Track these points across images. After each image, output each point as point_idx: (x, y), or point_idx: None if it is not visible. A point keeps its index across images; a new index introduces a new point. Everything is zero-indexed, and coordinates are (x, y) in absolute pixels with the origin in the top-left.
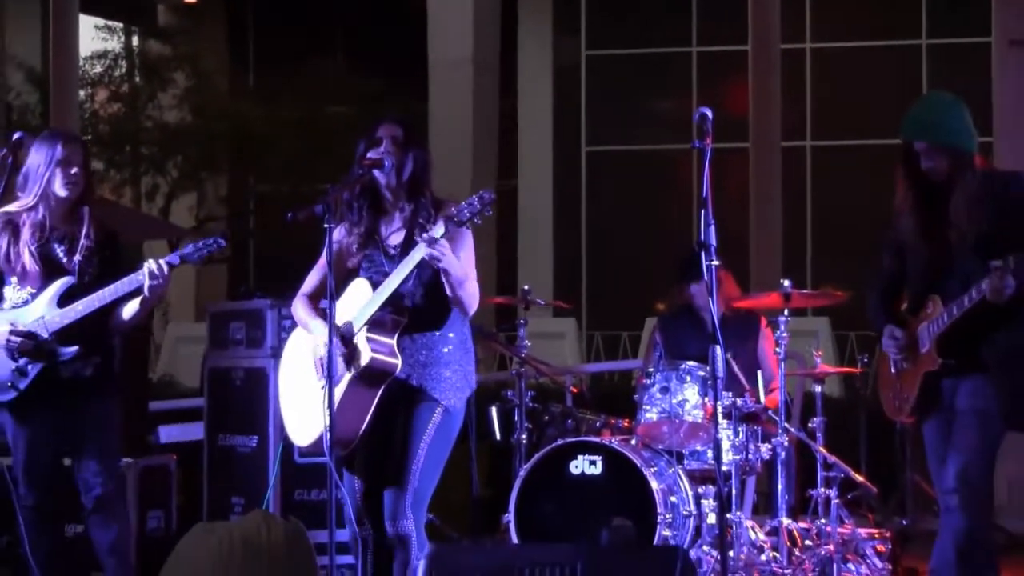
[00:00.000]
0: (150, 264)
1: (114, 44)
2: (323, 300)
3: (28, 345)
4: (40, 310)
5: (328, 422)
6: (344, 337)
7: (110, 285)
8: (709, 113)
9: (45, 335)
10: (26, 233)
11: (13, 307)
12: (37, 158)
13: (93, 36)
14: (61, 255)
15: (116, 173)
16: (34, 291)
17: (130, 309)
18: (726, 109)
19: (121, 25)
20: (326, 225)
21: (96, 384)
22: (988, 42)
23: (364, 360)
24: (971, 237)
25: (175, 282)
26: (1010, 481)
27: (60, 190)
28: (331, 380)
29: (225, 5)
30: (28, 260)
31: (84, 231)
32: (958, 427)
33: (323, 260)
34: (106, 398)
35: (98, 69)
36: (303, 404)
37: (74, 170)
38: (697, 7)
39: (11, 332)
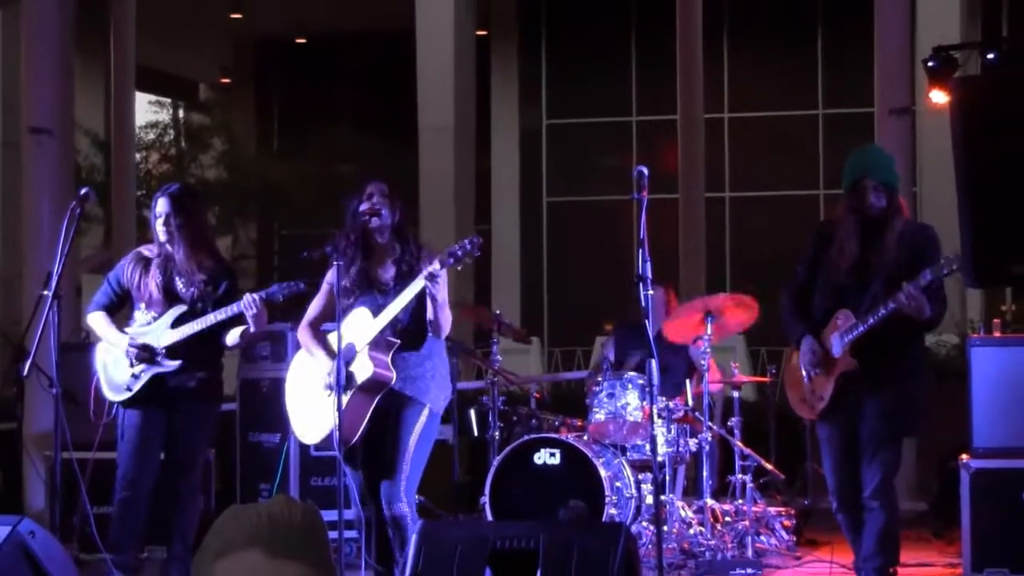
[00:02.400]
0: (247, 298)
1: (164, 116)
2: (324, 324)
3: (144, 356)
4: (158, 332)
5: (337, 422)
6: (351, 357)
7: (210, 314)
8: (645, 170)
9: (158, 350)
10: (153, 268)
11: (140, 326)
12: (151, 215)
13: (147, 109)
14: (180, 287)
15: None
16: (156, 315)
17: (232, 336)
18: (659, 167)
19: (169, 100)
20: (334, 263)
21: (197, 394)
22: (872, 111)
23: (367, 374)
24: (889, 267)
25: None
26: None
27: (160, 235)
28: (339, 388)
29: (254, 84)
30: (154, 290)
31: (195, 267)
32: (871, 446)
33: (323, 291)
34: (204, 405)
35: (151, 136)
36: (308, 411)
37: (161, 219)
38: (636, 84)
39: (131, 344)
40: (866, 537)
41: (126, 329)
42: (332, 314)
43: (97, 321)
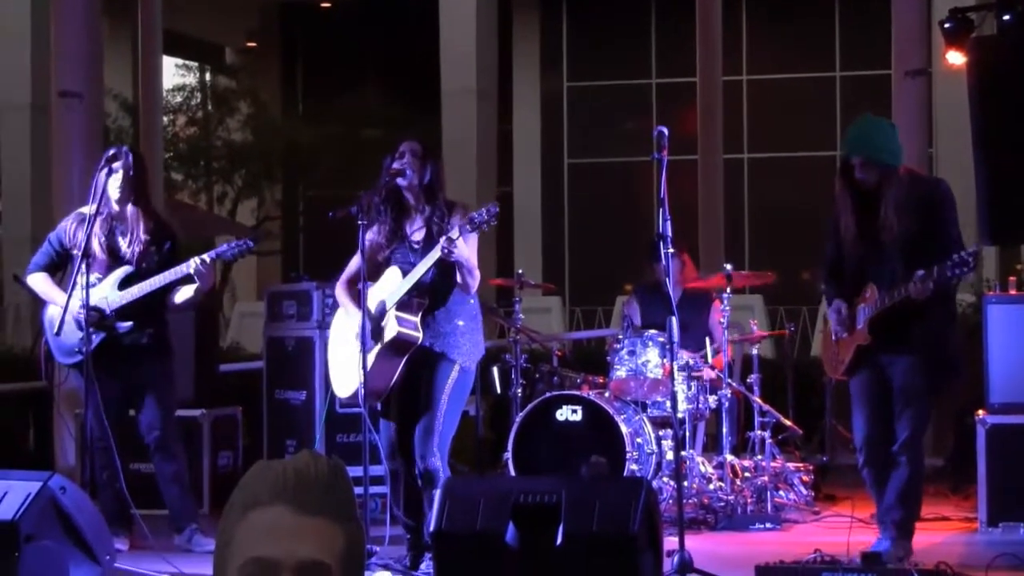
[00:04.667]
0: (195, 261)
1: (190, 79)
2: (359, 283)
3: (94, 318)
4: (104, 291)
5: (362, 379)
6: (377, 315)
7: (159, 275)
8: (665, 131)
9: (107, 312)
10: (96, 228)
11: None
12: (96, 171)
13: (174, 73)
14: (123, 247)
15: (192, 183)
16: (100, 276)
17: (183, 294)
18: (679, 129)
19: (196, 64)
20: (359, 222)
21: (151, 349)
22: (889, 74)
23: (391, 334)
24: (899, 238)
25: (241, 268)
26: None
27: (112, 192)
28: (364, 347)
29: (279, 48)
30: (97, 250)
31: (141, 228)
32: (900, 403)
33: (359, 249)
34: (160, 360)
35: (178, 99)
36: (344, 365)
37: (119, 177)
38: (656, 47)
39: (81, 307)
40: (889, 490)
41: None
42: (368, 272)
43: (39, 282)
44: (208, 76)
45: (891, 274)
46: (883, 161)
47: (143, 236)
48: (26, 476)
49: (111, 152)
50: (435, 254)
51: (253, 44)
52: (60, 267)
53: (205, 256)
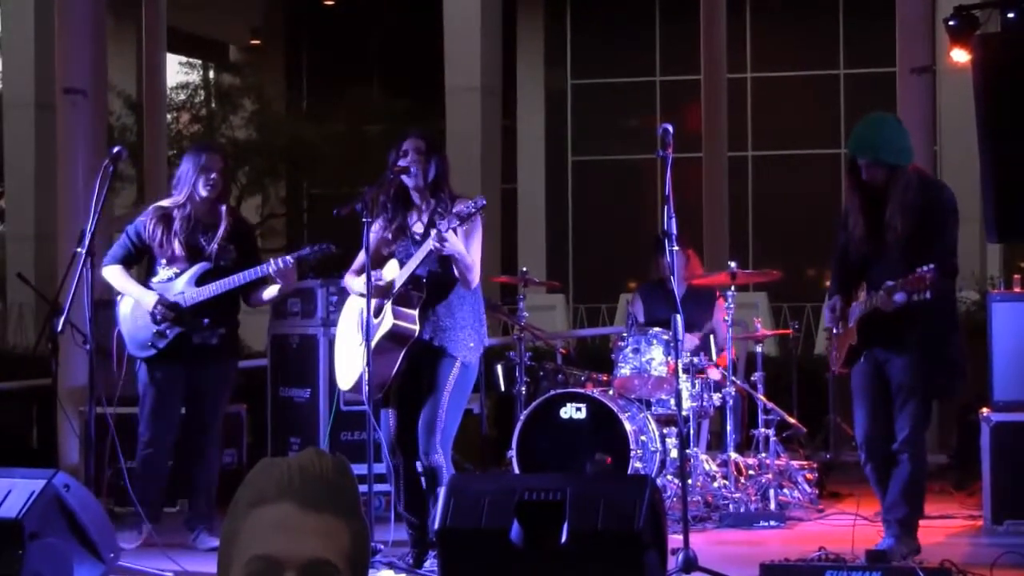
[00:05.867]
0: (279, 260)
1: (194, 77)
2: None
3: (170, 314)
4: (181, 287)
5: (366, 376)
6: (376, 308)
7: (238, 273)
8: (670, 129)
9: (184, 307)
10: (176, 224)
11: (161, 283)
12: (187, 165)
13: (178, 70)
14: (203, 243)
15: None
16: (179, 271)
17: (270, 292)
18: (683, 126)
19: (200, 61)
20: (364, 220)
21: (220, 351)
22: (894, 71)
23: (387, 327)
24: (902, 239)
25: None
26: None
27: (202, 190)
28: (368, 342)
29: (283, 45)
30: (176, 246)
31: (222, 225)
32: (898, 401)
33: (365, 244)
34: (226, 363)
35: (182, 97)
36: (347, 356)
37: (213, 175)
38: (660, 45)
39: (158, 302)
40: (892, 488)
41: (150, 284)
42: (373, 263)
43: (115, 275)
44: (212, 73)
45: (891, 274)
46: (889, 161)
47: (223, 234)
48: (30, 474)
49: (115, 150)
50: (426, 247)
51: (257, 41)
52: (137, 260)
53: (288, 257)
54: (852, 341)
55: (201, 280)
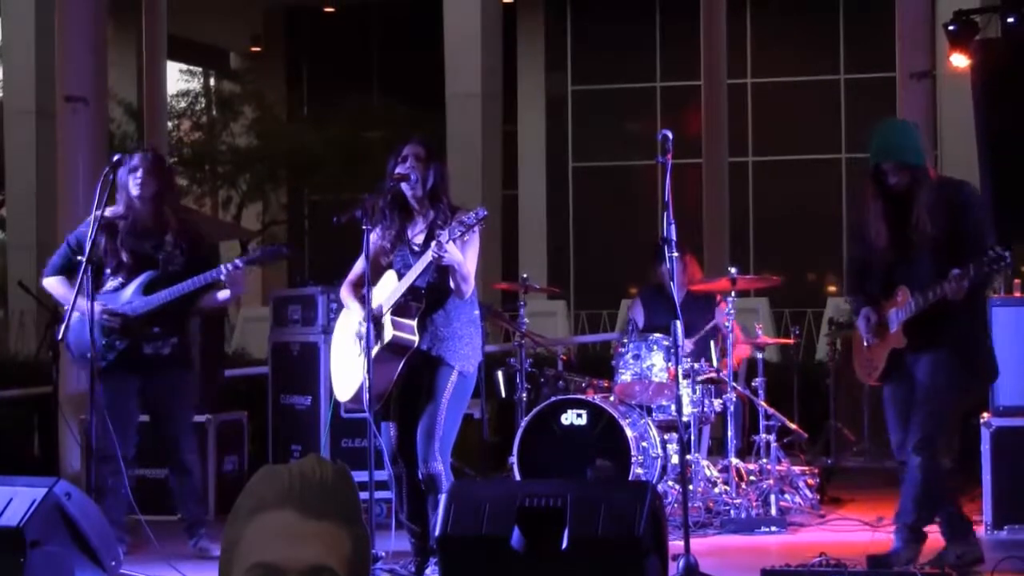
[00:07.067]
0: (227, 266)
1: (195, 84)
2: (362, 287)
3: (118, 323)
4: (128, 296)
5: (368, 384)
6: (376, 317)
7: (187, 280)
8: (670, 135)
9: (132, 316)
10: (121, 233)
11: (108, 292)
12: (120, 172)
13: (178, 78)
14: (150, 250)
15: (197, 187)
16: (125, 280)
17: (223, 294)
18: (683, 132)
19: (201, 69)
20: (364, 227)
21: (172, 361)
22: (894, 76)
23: (387, 338)
24: (930, 240)
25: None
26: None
27: (133, 190)
28: (368, 352)
29: (284, 52)
30: (123, 255)
31: (168, 232)
32: (918, 402)
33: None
34: (180, 371)
35: (183, 104)
36: (345, 367)
37: (139, 172)
38: (660, 51)
39: (103, 311)
40: (903, 493)
41: (98, 295)
42: (372, 275)
43: (55, 285)
44: (213, 81)
45: (922, 276)
46: (913, 162)
47: (170, 240)
48: (32, 482)
49: (115, 158)
50: (427, 258)
51: (257, 49)
52: (77, 269)
53: (236, 262)
54: (898, 345)
55: (149, 288)
